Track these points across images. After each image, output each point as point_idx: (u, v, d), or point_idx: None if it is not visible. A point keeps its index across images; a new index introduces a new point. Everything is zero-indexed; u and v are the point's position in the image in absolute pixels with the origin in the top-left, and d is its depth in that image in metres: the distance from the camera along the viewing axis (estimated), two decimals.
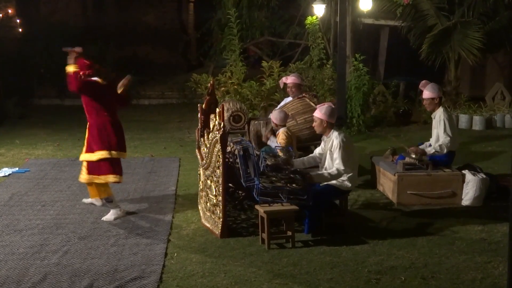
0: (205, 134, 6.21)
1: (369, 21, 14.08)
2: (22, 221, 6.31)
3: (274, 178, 5.69)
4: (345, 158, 5.83)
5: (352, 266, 5.06)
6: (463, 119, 11.67)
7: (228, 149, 5.98)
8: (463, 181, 6.79)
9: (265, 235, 5.52)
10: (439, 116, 7.02)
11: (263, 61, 12.27)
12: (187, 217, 6.44)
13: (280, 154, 6.06)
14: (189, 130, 11.76)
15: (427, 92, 7.10)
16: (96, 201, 6.76)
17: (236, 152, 5.84)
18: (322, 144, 6.15)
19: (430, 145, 7.15)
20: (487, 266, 5.04)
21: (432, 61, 12.25)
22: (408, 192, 6.76)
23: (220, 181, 5.69)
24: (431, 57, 12.22)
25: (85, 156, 6.42)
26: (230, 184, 6.43)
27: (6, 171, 8.46)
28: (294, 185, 5.65)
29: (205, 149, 6.14)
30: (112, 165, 6.36)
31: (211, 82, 7.88)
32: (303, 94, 7.80)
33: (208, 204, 6.08)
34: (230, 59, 12.21)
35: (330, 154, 5.95)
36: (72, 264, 5.13)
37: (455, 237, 5.75)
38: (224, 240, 5.67)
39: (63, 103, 15.51)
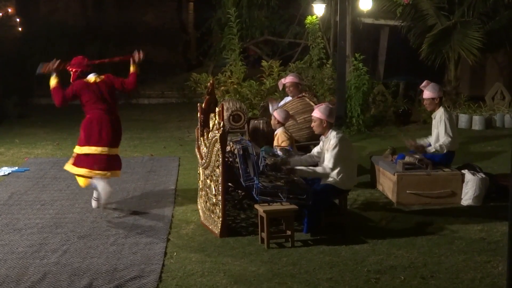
0: (205, 134, 6.21)
1: (369, 20, 14.08)
2: (22, 220, 6.31)
3: (273, 178, 5.69)
4: (337, 159, 5.81)
5: (351, 265, 5.06)
6: (462, 119, 11.67)
7: (228, 148, 5.98)
8: (463, 181, 6.79)
9: (264, 235, 5.52)
10: (439, 116, 7.02)
11: (263, 61, 12.26)
12: (186, 217, 6.44)
13: (280, 153, 6.06)
14: (189, 130, 11.75)
15: (428, 92, 7.10)
16: (93, 201, 6.75)
17: (236, 151, 5.84)
18: (321, 143, 6.15)
19: (429, 145, 7.15)
20: (487, 265, 5.04)
21: (432, 60, 12.24)
22: (407, 191, 6.76)
23: (220, 180, 5.69)
24: (431, 56, 12.21)
25: (75, 149, 6.58)
26: (229, 184, 6.43)
27: (5, 170, 8.46)
28: (293, 183, 5.66)
29: (205, 148, 6.14)
30: (94, 161, 6.42)
31: (211, 81, 7.89)
32: (303, 94, 7.79)
33: (207, 203, 6.08)
34: (230, 59, 12.21)
35: (327, 153, 5.94)
36: (71, 263, 5.13)
37: (455, 236, 5.76)
38: (224, 240, 5.67)
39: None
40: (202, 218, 6.24)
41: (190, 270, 4.98)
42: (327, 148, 5.94)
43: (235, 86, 11.51)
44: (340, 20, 11.26)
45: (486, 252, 5.33)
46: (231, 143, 6.08)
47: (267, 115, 7.67)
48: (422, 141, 7.24)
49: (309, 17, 12.51)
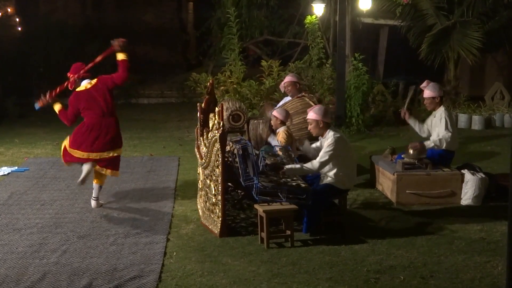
0: (205, 133, 6.21)
1: (368, 20, 14.08)
2: (21, 220, 6.31)
3: (273, 178, 5.69)
4: (330, 157, 5.78)
5: (351, 265, 5.06)
6: (462, 119, 11.67)
7: (227, 148, 5.98)
8: (462, 181, 6.79)
9: (264, 234, 5.52)
10: (440, 115, 7.03)
11: (263, 60, 12.26)
12: (186, 216, 6.44)
13: (280, 153, 6.06)
14: (189, 129, 11.75)
15: (428, 92, 7.11)
16: (92, 201, 6.75)
17: (235, 151, 5.84)
18: (319, 143, 6.14)
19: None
20: (486, 265, 5.04)
21: (431, 60, 12.24)
22: (407, 191, 6.76)
23: (219, 180, 5.69)
24: (431, 56, 12.21)
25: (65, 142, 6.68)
26: (229, 183, 6.43)
27: (5, 170, 8.46)
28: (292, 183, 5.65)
29: (205, 148, 6.14)
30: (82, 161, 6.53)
31: (211, 81, 7.88)
32: (302, 93, 7.79)
33: (207, 203, 6.08)
34: (230, 58, 12.21)
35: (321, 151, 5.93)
36: (71, 263, 5.13)
37: (454, 236, 5.76)
38: (223, 239, 5.67)
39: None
40: (201, 218, 6.24)
41: (189, 270, 4.98)
42: (323, 145, 5.93)
43: (234, 86, 11.51)
44: (340, 20, 11.27)
45: (486, 252, 5.33)
46: (230, 143, 6.08)
47: (266, 119, 7.65)
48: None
49: (309, 17, 12.50)
